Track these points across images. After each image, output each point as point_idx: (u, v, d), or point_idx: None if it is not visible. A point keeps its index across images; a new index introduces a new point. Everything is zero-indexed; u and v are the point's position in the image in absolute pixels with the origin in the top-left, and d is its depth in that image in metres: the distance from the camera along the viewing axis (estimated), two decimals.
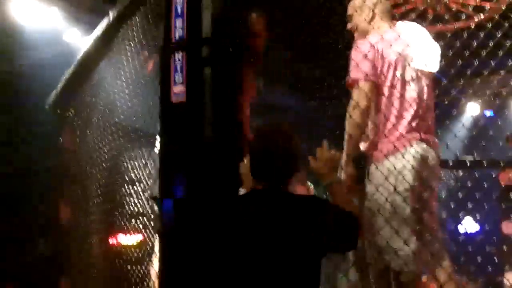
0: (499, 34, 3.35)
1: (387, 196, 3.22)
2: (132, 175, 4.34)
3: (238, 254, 2.46)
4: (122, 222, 4.56)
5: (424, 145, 3.36)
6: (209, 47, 2.84)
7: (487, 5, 4.52)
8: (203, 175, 2.68)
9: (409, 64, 3.39)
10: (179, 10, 2.90)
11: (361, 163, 3.45)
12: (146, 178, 4.09)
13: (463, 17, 4.47)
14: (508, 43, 3.36)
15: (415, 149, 3.31)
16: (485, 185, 3.93)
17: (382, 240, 3.23)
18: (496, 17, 3.66)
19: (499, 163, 7.25)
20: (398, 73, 3.37)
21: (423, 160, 3.33)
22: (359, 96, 3.32)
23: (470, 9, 4.52)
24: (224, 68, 2.84)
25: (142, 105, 3.98)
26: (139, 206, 4.29)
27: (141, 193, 4.20)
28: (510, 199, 4.36)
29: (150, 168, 3.90)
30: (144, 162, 4.10)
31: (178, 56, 2.85)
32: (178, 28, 2.89)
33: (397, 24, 3.60)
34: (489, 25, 3.36)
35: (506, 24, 3.35)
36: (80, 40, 7.42)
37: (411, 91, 3.38)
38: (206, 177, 2.69)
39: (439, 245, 3.40)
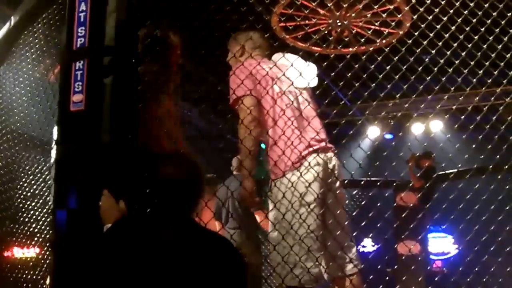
0: (395, 59, 3.48)
1: (292, 213, 3.31)
2: (28, 185, 4.22)
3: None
4: (17, 235, 4.41)
5: (322, 154, 3.47)
6: (111, 56, 2.80)
7: (386, 30, 4.70)
8: (99, 185, 2.63)
9: (288, 84, 3.53)
10: (82, 18, 2.85)
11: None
12: (43, 188, 3.99)
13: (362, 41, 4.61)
14: (403, 68, 3.49)
15: (311, 162, 3.43)
16: (379, 205, 4.03)
17: (290, 257, 3.29)
18: (394, 41, 3.80)
19: (393, 183, 7.52)
20: (276, 90, 3.52)
21: (324, 169, 3.44)
22: (245, 112, 3.43)
23: (370, 32, 4.68)
24: (125, 77, 2.80)
25: (40, 113, 3.87)
26: (34, 217, 4.17)
27: (36, 203, 4.08)
28: (402, 219, 4.52)
29: (46, 178, 3.81)
30: (40, 172, 4.00)
31: (79, 64, 2.79)
32: (81, 36, 2.83)
33: (274, 55, 3.80)
34: (386, 50, 3.48)
35: (403, 49, 3.48)
36: None
37: (292, 107, 3.52)
38: (102, 187, 2.63)
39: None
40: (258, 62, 3.52)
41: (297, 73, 3.56)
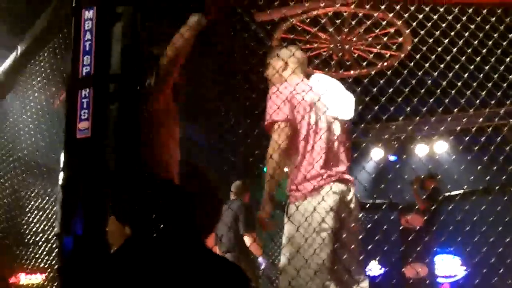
0: (397, 81, 3.51)
1: (307, 237, 3.31)
2: (34, 211, 4.24)
3: None
4: (23, 261, 4.42)
5: (341, 185, 3.50)
6: (116, 84, 2.83)
7: (388, 53, 4.73)
8: (105, 211, 2.65)
9: (323, 112, 3.56)
10: (87, 47, 2.88)
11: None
12: (50, 214, 4.01)
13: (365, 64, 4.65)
14: (406, 90, 3.52)
15: (333, 189, 3.44)
16: (385, 227, 4.03)
17: (300, 281, 3.28)
18: (396, 64, 3.84)
19: (398, 205, 7.50)
20: (312, 118, 3.51)
21: (341, 200, 3.45)
22: (278, 137, 3.44)
23: (371, 56, 4.71)
24: (131, 104, 2.83)
25: (46, 140, 3.91)
26: (40, 243, 4.18)
27: (42, 230, 4.10)
28: (408, 242, 4.54)
29: (52, 204, 3.83)
30: (47, 198, 4.02)
31: (85, 92, 2.82)
32: (86, 65, 2.87)
33: (313, 76, 3.80)
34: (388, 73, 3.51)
35: (405, 72, 3.51)
36: None
37: (325, 135, 3.53)
38: (108, 213, 2.65)
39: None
40: (297, 84, 3.56)
41: (335, 101, 3.63)
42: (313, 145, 3.50)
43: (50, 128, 3.87)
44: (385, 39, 4.57)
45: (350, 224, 3.52)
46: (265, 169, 3.72)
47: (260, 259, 6.54)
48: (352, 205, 3.57)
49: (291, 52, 3.79)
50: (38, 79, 4.20)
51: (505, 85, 3.78)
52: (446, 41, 3.61)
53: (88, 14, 2.90)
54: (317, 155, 3.48)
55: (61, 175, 2.88)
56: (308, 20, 4.65)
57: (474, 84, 3.69)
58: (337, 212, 3.43)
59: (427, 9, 3.49)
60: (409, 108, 3.65)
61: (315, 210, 3.35)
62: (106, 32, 2.89)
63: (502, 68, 3.75)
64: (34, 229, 4.23)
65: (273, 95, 3.56)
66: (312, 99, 3.57)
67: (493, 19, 3.56)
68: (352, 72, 3.95)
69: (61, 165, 2.88)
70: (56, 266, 3.66)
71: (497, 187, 4.49)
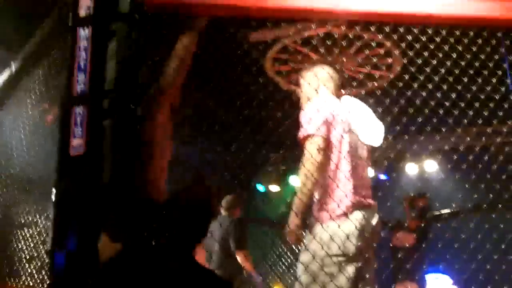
0: (387, 101, 3.56)
1: (328, 259, 3.34)
2: (27, 228, 4.24)
3: None
4: (12, 277, 4.42)
5: (368, 210, 3.53)
6: (110, 101, 2.85)
7: (378, 73, 4.78)
8: (98, 227, 2.67)
9: (355, 135, 3.62)
10: (82, 65, 2.91)
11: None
12: (42, 230, 4.01)
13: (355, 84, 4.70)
14: (395, 109, 3.57)
15: (359, 215, 3.46)
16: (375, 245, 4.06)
17: None
18: (385, 85, 3.89)
19: (388, 224, 7.52)
20: (346, 140, 3.55)
21: (367, 225, 3.47)
22: (312, 151, 3.41)
23: (361, 76, 4.77)
24: (125, 120, 2.85)
25: (40, 157, 3.92)
26: (32, 260, 4.18)
27: (34, 246, 4.10)
28: (398, 260, 4.55)
29: (44, 221, 3.84)
30: (39, 215, 4.02)
31: (79, 109, 2.84)
32: (81, 83, 2.89)
33: (344, 97, 3.83)
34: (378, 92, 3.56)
35: (394, 92, 3.56)
36: None
37: (354, 157, 3.57)
38: (101, 229, 2.67)
39: None
40: (335, 103, 3.60)
41: (366, 126, 3.68)
42: (345, 168, 3.50)
43: (43, 145, 3.88)
44: (375, 60, 4.62)
45: (372, 249, 3.54)
46: (257, 185, 3.75)
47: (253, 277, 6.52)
48: (375, 231, 3.59)
49: (327, 71, 3.85)
50: (32, 96, 4.21)
51: (492, 104, 3.83)
52: (434, 61, 3.66)
53: (84, 32, 2.94)
54: (348, 178, 3.48)
55: (54, 192, 2.90)
56: (301, 40, 4.70)
57: (462, 104, 3.74)
58: (361, 238, 3.41)
59: (415, 30, 3.55)
60: (398, 128, 3.70)
61: (338, 234, 3.36)
62: (101, 50, 2.92)
63: (489, 88, 3.80)
64: (24, 246, 4.23)
65: (307, 107, 3.58)
66: (347, 120, 3.61)
67: (479, 41, 3.62)
68: (343, 91, 3.99)
69: (54, 182, 2.89)
70: (46, 283, 3.67)
71: (485, 205, 4.52)
